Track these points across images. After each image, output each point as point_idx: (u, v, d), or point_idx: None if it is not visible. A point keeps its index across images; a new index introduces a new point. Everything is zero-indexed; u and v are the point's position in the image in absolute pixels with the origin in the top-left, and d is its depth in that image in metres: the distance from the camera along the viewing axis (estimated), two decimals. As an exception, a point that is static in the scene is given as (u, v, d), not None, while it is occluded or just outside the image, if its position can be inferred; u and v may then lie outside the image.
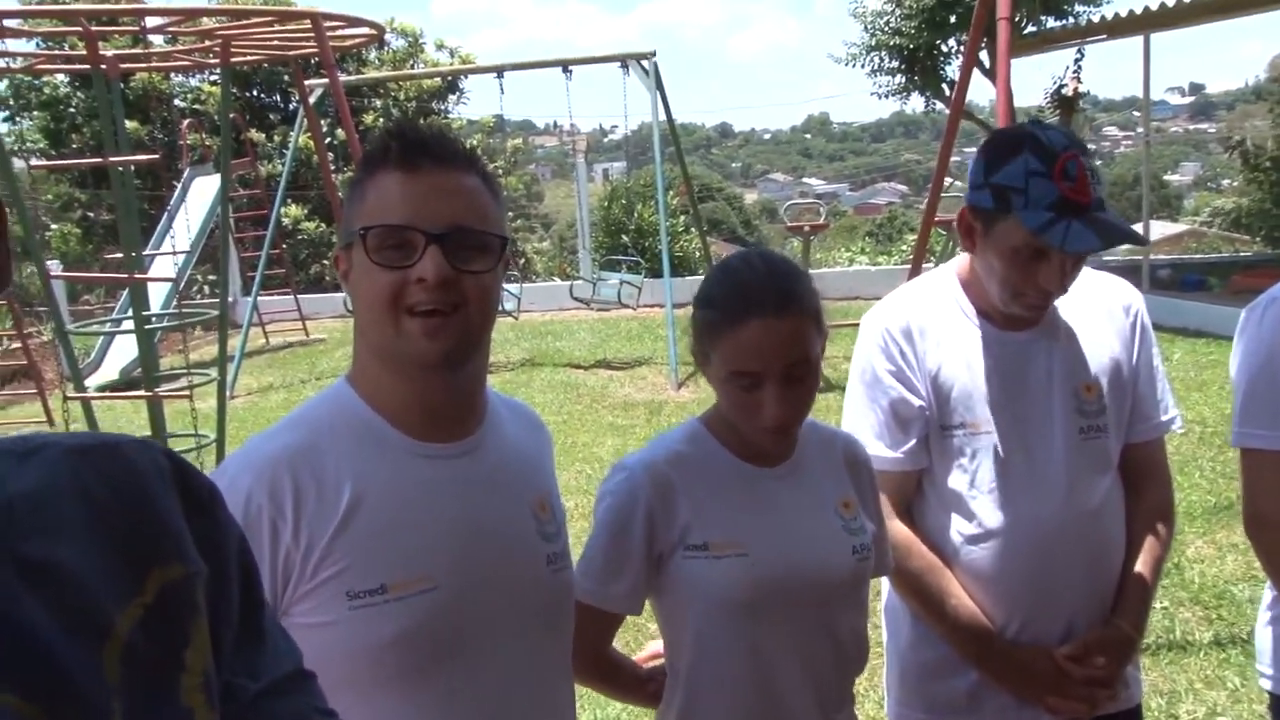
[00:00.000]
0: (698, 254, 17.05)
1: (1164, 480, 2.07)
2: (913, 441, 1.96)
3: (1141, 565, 1.98)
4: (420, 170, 1.36)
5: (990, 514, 1.92)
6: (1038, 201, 1.76)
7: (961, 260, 2.03)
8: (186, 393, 5.87)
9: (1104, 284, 2.05)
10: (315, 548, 1.33)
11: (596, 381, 10.72)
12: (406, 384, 1.41)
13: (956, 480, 1.95)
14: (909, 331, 1.98)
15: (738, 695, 1.69)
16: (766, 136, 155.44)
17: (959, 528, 1.95)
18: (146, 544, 0.81)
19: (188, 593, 0.82)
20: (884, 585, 2.10)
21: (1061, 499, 1.91)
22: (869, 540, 1.76)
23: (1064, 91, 13.80)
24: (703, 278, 1.77)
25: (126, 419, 9.83)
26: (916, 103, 15.82)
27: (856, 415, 2.01)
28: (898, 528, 1.96)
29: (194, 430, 6.32)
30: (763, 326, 1.59)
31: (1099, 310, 2.01)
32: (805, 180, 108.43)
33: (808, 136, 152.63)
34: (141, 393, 6.39)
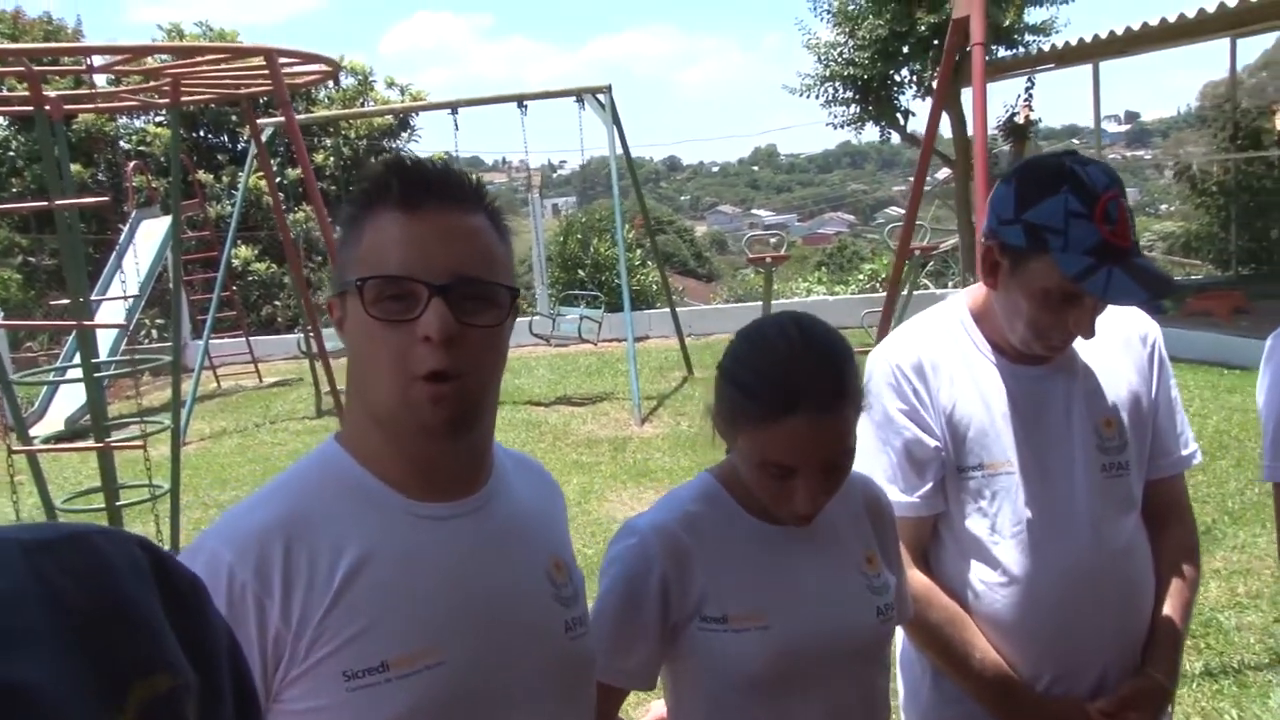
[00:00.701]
0: (655, 287, 17.02)
1: (1187, 518, 1.99)
2: (929, 485, 1.86)
3: (1171, 609, 1.89)
4: (423, 210, 1.24)
5: (1014, 559, 1.82)
6: (1077, 245, 1.66)
7: (972, 293, 1.94)
8: (139, 442, 5.66)
9: (1119, 314, 1.94)
10: (308, 626, 1.20)
11: (558, 419, 10.58)
12: (406, 448, 1.28)
13: (976, 524, 1.85)
14: (920, 368, 1.88)
15: None
16: (715, 169, 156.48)
17: (980, 575, 1.85)
18: (126, 653, 0.67)
19: (176, 706, 0.69)
20: (899, 637, 1.99)
21: (1088, 541, 1.82)
22: (892, 599, 1.65)
23: (1016, 119, 13.94)
24: (731, 344, 1.59)
25: (73, 469, 9.54)
26: (871, 133, 15.91)
27: (868, 458, 1.91)
28: (915, 577, 1.86)
29: (148, 480, 6.09)
30: (807, 425, 1.45)
31: (1116, 341, 1.92)
32: (754, 211, 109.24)
33: (755, 168, 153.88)
34: (92, 444, 6.16)
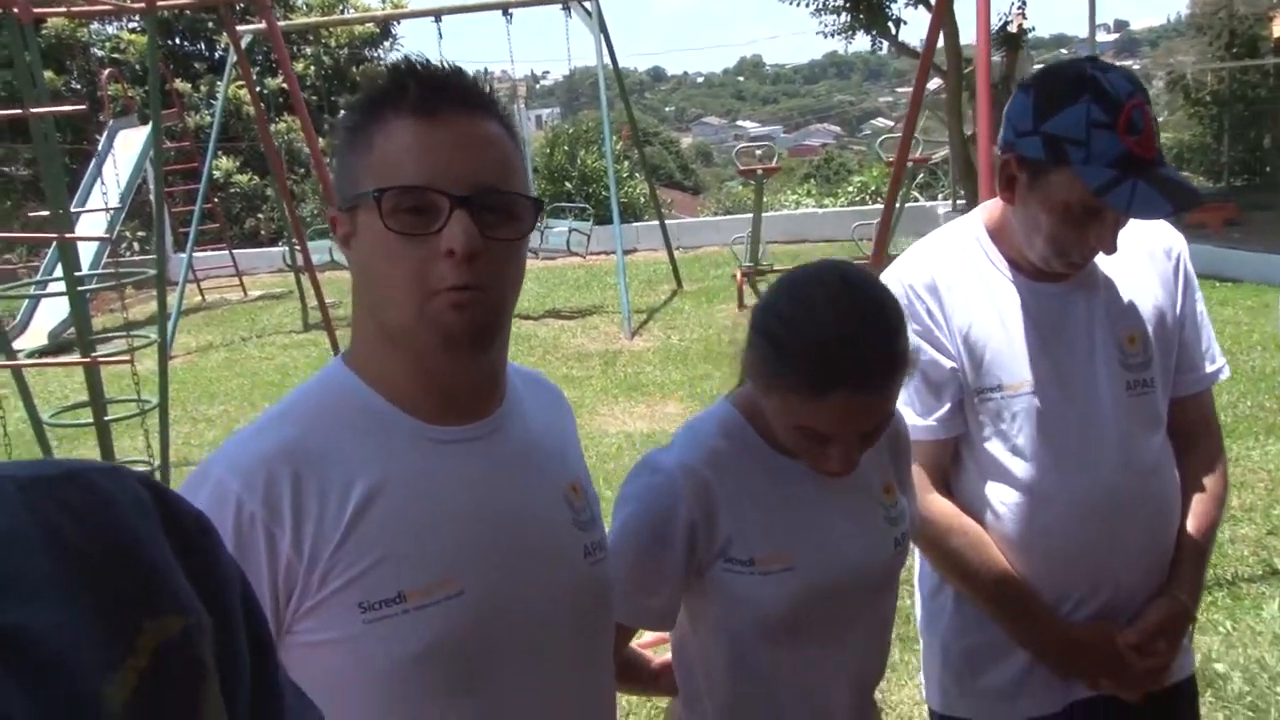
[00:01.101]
0: (643, 199, 16.85)
1: (1215, 435, 1.94)
2: (946, 407, 1.82)
3: (1195, 528, 1.85)
4: (440, 117, 1.16)
5: (1038, 481, 1.78)
6: (1100, 156, 1.58)
7: (988, 207, 1.88)
8: (126, 357, 5.57)
9: (1142, 225, 1.86)
10: (320, 556, 1.15)
11: (548, 332, 10.54)
12: (423, 366, 1.22)
13: (997, 447, 1.81)
14: (934, 288, 1.82)
15: (781, 707, 1.55)
16: (699, 80, 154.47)
17: (1003, 497, 1.81)
18: (133, 594, 0.62)
19: (190, 649, 0.64)
20: (917, 563, 1.96)
21: (1115, 461, 1.77)
22: (907, 526, 1.62)
23: (1009, 28, 13.71)
24: (770, 293, 1.48)
25: (59, 384, 9.47)
26: (861, 43, 15.65)
27: None
28: (936, 502, 1.82)
29: (136, 395, 6.03)
30: (851, 403, 1.37)
31: (1139, 254, 1.86)
32: (739, 123, 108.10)
33: (740, 79, 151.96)
34: (78, 358, 6.07)
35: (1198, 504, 1.87)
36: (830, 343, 1.36)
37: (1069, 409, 1.78)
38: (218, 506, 1.13)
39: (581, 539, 1.32)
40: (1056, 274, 1.78)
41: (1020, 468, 1.79)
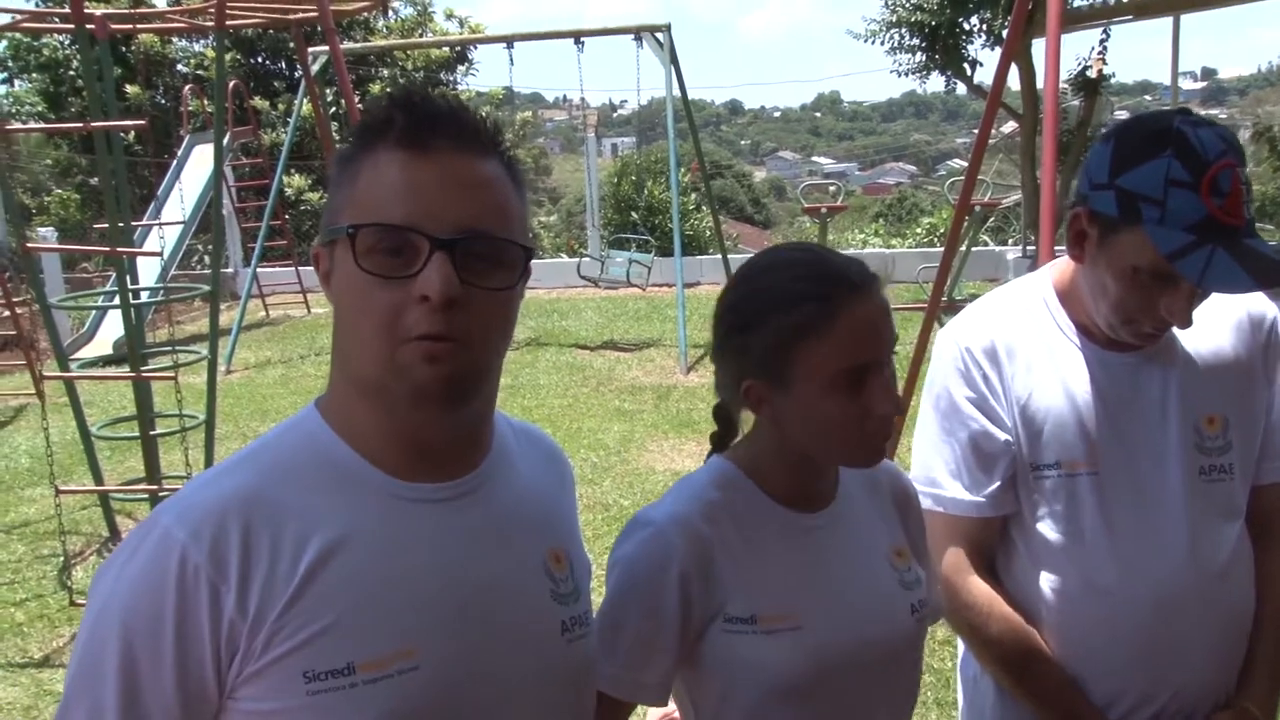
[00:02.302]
0: (708, 233, 16.73)
1: None
2: (997, 483, 1.64)
3: (1272, 633, 1.66)
4: (431, 153, 1.06)
5: (1096, 572, 1.60)
6: (1176, 218, 1.42)
7: (1059, 266, 1.70)
8: (171, 374, 5.55)
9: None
10: (266, 617, 1.04)
11: (603, 363, 10.43)
12: (394, 419, 1.11)
13: (1051, 530, 1.63)
14: (993, 352, 1.66)
15: None
16: (776, 114, 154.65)
17: (1056, 586, 1.63)
18: None
19: None
20: (960, 648, 1.79)
21: (1184, 554, 1.59)
22: (925, 594, 1.48)
23: (1088, 73, 13.39)
24: (736, 288, 1.44)
25: (119, 394, 9.54)
26: (936, 82, 15.40)
27: (929, 450, 1.69)
28: (977, 586, 1.65)
29: (179, 411, 6.01)
30: (866, 301, 1.33)
31: (1225, 324, 1.67)
32: (814, 159, 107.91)
33: (818, 115, 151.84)
34: (125, 372, 6.07)
35: (1275, 605, 1.66)
36: (823, 265, 1.36)
37: (1134, 493, 1.60)
38: (161, 557, 1.04)
39: (559, 613, 1.20)
40: (1130, 343, 1.60)
41: (1076, 555, 1.62)
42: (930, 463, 1.68)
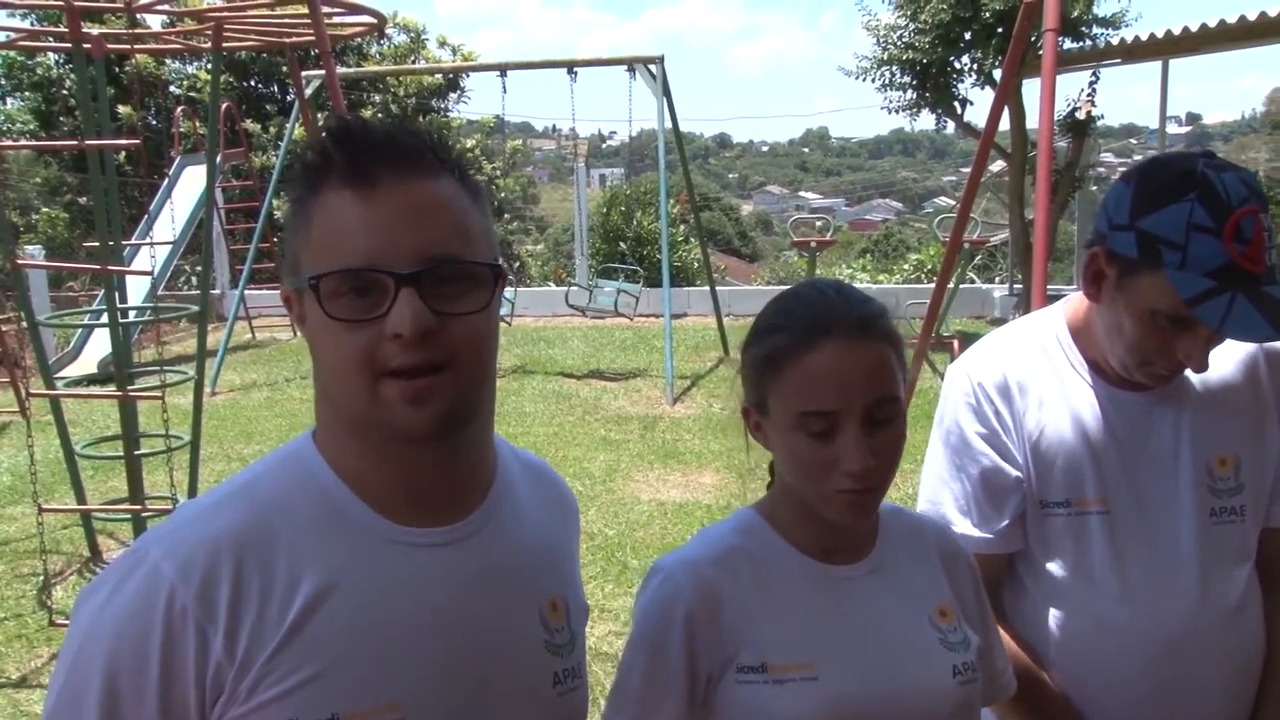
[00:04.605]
0: (696, 264, 16.76)
1: None
2: (1006, 520, 1.63)
3: None
4: (378, 185, 1.03)
5: (1107, 610, 1.59)
6: (1197, 263, 1.42)
7: (1072, 303, 1.70)
8: (158, 394, 5.50)
9: None
10: (253, 662, 1.02)
11: (589, 392, 10.39)
12: (387, 458, 1.08)
13: (1060, 569, 1.62)
14: (1005, 387, 1.65)
15: None
16: (765, 148, 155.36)
17: (1066, 625, 1.62)
18: None
19: None
20: None
21: (1195, 595, 1.58)
22: (973, 658, 1.40)
23: (1077, 114, 13.50)
24: (757, 317, 1.42)
25: (103, 414, 9.46)
26: (925, 120, 15.46)
27: (938, 485, 1.68)
28: None
29: (164, 431, 5.95)
30: (841, 348, 1.28)
31: (1238, 365, 1.67)
32: (802, 193, 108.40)
33: (806, 150, 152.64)
34: (111, 391, 6.02)
35: None
36: (814, 302, 1.34)
37: (1145, 534, 1.59)
38: (149, 593, 1.02)
39: (552, 665, 1.18)
40: (1143, 383, 1.60)
41: (1086, 594, 1.60)
42: (939, 497, 1.67)
